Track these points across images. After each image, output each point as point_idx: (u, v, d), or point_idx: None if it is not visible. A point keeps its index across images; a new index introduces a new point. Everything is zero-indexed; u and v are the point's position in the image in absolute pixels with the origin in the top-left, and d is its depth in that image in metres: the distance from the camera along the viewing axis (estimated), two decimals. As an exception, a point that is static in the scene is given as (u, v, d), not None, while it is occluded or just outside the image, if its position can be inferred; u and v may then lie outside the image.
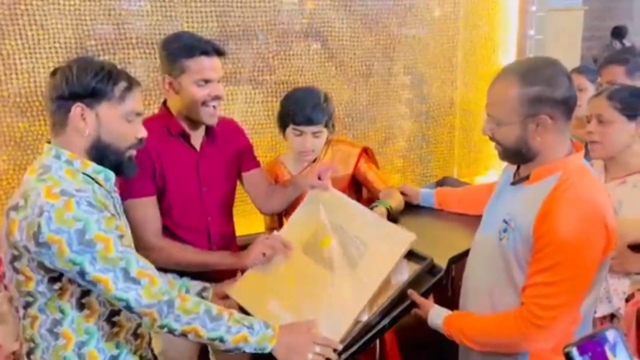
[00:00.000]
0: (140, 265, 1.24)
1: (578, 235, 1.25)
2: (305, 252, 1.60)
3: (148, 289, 1.22)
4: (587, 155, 2.06)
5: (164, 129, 1.71)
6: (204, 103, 1.65)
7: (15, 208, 1.20)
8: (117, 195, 1.41)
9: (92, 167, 1.30)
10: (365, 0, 2.61)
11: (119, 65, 2.16)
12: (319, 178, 1.70)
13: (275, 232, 1.68)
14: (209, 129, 1.78)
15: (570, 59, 3.27)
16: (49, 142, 1.32)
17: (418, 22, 2.77)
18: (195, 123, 1.73)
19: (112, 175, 1.34)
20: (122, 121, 1.31)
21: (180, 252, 1.69)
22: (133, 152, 1.36)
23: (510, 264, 1.36)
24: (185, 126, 1.72)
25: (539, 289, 1.30)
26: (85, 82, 1.26)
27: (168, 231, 1.75)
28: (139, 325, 1.40)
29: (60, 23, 2.08)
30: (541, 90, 1.28)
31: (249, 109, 2.48)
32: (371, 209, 1.78)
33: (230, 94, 2.42)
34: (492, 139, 1.39)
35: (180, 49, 1.63)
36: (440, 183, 2.17)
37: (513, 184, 1.43)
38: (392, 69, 2.76)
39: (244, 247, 1.73)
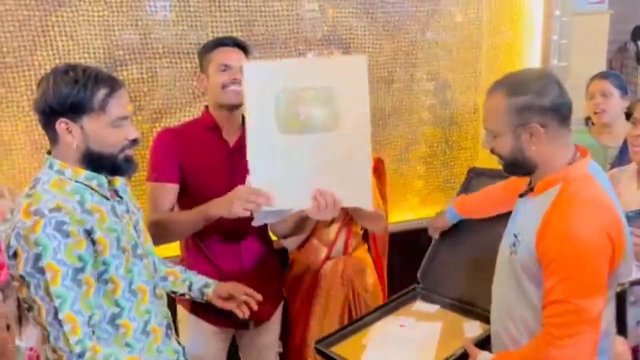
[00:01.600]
0: (74, 310, 1.26)
1: (578, 242, 1.23)
2: (283, 132, 1.57)
3: (66, 334, 1.25)
4: (626, 157, 2.05)
5: (200, 125, 1.86)
6: (224, 86, 1.77)
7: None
8: (123, 198, 1.45)
9: (84, 174, 1.34)
10: (387, 6, 2.62)
11: (145, 74, 2.24)
12: None
13: (248, 179, 1.61)
14: (245, 130, 1.80)
15: (595, 63, 3.21)
16: (49, 152, 1.36)
17: (441, 28, 2.76)
18: (229, 117, 1.83)
19: (104, 180, 1.37)
20: (108, 129, 1.32)
21: (172, 221, 1.75)
22: (129, 153, 1.39)
23: (520, 278, 1.35)
24: (218, 120, 1.84)
25: (553, 308, 1.26)
26: (62, 98, 1.27)
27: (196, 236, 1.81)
28: (146, 323, 1.43)
29: (89, 34, 2.13)
30: (529, 99, 1.30)
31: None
32: None
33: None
34: (492, 152, 1.41)
35: (207, 46, 1.86)
36: (470, 171, 2.09)
37: (521, 195, 1.43)
38: (414, 75, 2.76)
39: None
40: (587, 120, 2.64)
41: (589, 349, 1.26)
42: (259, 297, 1.68)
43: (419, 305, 1.87)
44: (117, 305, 1.37)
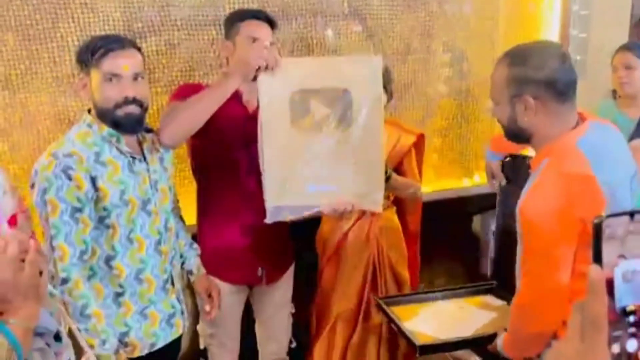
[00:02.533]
0: (67, 241, 1.48)
1: (526, 219, 1.31)
2: (298, 130, 1.61)
3: (55, 260, 1.48)
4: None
5: None
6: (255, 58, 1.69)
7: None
8: (146, 157, 1.63)
9: (107, 131, 1.56)
10: (404, -22, 2.60)
11: (164, 47, 2.27)
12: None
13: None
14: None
15: (617, 36, 3.15)
16: (89, 110, 1.60)
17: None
18: (251, 85, 1.75)
19: (122, 139, 1.57)
20: (103, 83, 1.51)
21: (185, 105, 1.68)
22: (129, 110, 1.52)
23: (520, 250, 1.41)
24: (241, 87, 1.79)
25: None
26: (78, 56, 1.53)
27: (209, 196, 1.88)
28: (139, 271, 1.61)
29: (109, 6, 2.17)
30: (524, 70, 1.34)
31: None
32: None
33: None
34: (496, 118, 1.47)
35: (237, 14, 1.88)
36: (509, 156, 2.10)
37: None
38: (431, 47, 2.75)
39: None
40: (614, 92, 2.62)
41: (549, 293, 1.32)
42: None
43: (488, 298, 1.92)
44: (113, 249, 1.57)
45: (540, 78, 1.32)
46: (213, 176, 1.88)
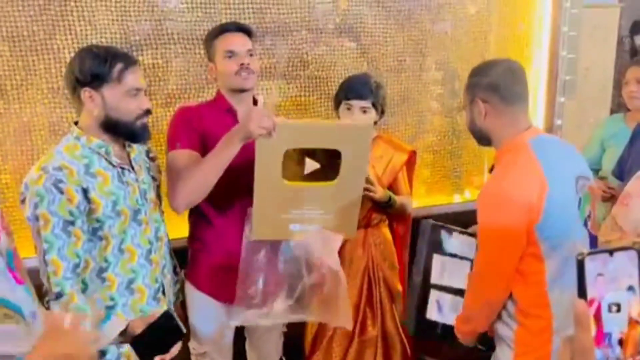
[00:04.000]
0: (60, 255, 1.47)
1: (481, 202, 1.51)
2: (288, 181, 1.72)
3: (49, 275, 1.48)
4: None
5: (216, 107, 1.89)
6: (237, 73, 1.80)
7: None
8: (134, 168, 1.64)
9: (95, 143, 1.57)
10: (398, -4, 2.65)
11: (160, 60, 2.29)
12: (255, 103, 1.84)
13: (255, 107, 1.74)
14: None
15: (604, 56, 3.23)
16: (76, 123, 1.60)
17: (450, 19, 2.79)
18: (241, 100, 1.86)
19: (111, 149, 1.58)
20: (124, 98, 1.54)
21: (195, 170, 1.71)
22: (144, 120, 1.58)
23: None
24: (232, 102, 1.87)
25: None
26: (86, 70, 1.51)
27: (203, 214, 1.87)
28: (130, 281, 1.61)
29: (106, 19, 2.19)
30: (476, 79, 1.58)
31: (283, 103, 2.56)
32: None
33: (265, 89, 2.50)
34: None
35: (210, 34, 1.88)
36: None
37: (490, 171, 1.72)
38: (423, 65, 2.79)
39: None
40: (620, 107, 2.65)
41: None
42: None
43: None
44: (106, 260, 1.57)
45: (484, 83, 1.55)
46: (208, 194, 1.83)
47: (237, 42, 1.82)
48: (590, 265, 0.53)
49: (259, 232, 1.77)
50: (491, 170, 1.69)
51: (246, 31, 1.86)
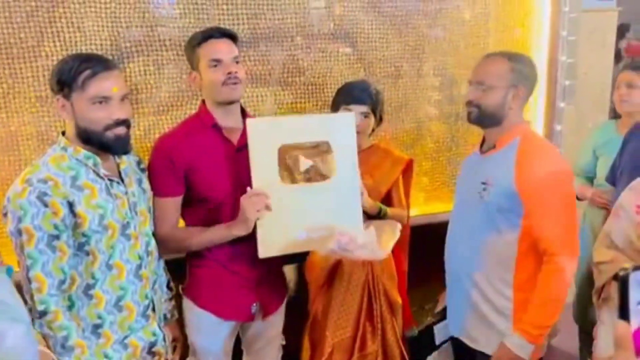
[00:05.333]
0: (44, 271, 1.41)
1: (556, 175, 1.62)
2: (286, 183, 1.72)
3: (33, 292, 1.42)
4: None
5: (199, 123, 1.79)
6: (224, 83, 1.71)
7: None
8: (124, 180, 1.58)
9: (82, 154, 1.50)
10: (394, 1, 2.61)
11: (151, 67, 2.24)
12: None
13: (249, 188, 1.69)
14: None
15: (603, 59, 3.20)
16: (64, 132, 1.55)
17: (448, 24, 2.75)
18: (227, 113, 1.78)
19: (99, 161, 1.52)
20: (89, 106, 1.46)
21: (185, 239, 1.77)
22: (118, 131, 1.49)
23: (489, 212, 1.68)
24: (218, 118, 1.77)
25: (549, 232, 1.60)
26: (57, 77, 1.46)
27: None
28: (119, 299, 1.55)
29: (96, 25, 2.13)
30: (523, 67, 1.69)
31: (279, 110, 2.51)
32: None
33: (260, 95, 2.45)
34: (469, 104, 1.73)
35: (193, 40, 1.75)
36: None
37: (483, 152, 1.78)
38: (421, 71, 2.75)
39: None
40: (615, 112, 2.63)
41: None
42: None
43: None
44: (93, 277, 1.50)
45: (531, 76, 1.70)
46: (203, 211, 1.79)
47: (223, 49, 1.71)
48: (634, 282, 0.48)
49: (266, 248, 1.71)
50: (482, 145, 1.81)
51: (231, 36, 1.75)
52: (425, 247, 2.37)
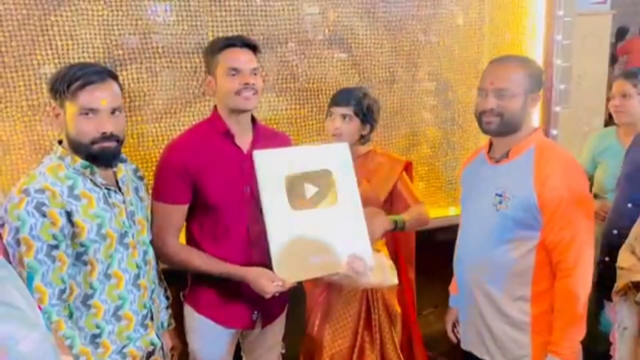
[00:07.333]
0: (44, 281, 1.40)
1: (580, 186, 1.61)
2: (295, 209, 1.72)
3: (36, 303, 1.35)
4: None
5: (211, 129, 1.78)
6: (238, 92, 1.70)
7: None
8: (121, 189, 1.57)
9: (79, 163, 1.49)
10: (388, 7, 2.60)
11: (145, 74, 2.22)
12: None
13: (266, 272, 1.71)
14: (256, 132, 1.82)
15: (598, 63, 3.20)
16: (60, 142, 1.53)
17: (442, 29, 2.75)
18: (239, 120, 1.77)
19: (96, 170, 1.50)
20: (78, 117, 1.45)
21: (193, 261, 1.76)
22: (105, 145, 1.47)
23: (505, 224, 1.63)
24: (230, 125, 1.77)
25: (563, 245, 1.58)
26: (51, 86, 1.47)
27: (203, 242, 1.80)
28: (117, 308, 1.53)
29: (89, 33, 2.12)
30: (538, 72, 1.67)
31: (273, 117, 2.49)
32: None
33: (255, 102, 2.43)
34: (489, 113, 1.63)
35: (214, 46, 1.76)
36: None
37: (497, 162, 1.71)
38: (416, 76, 2.74)
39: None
40: (611, 116, 2.61)
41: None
42: None
43: None
44: (91, 287, 1.49)
45: (541, 81, 1.69)
46: (207, 219, 1.77)
47: (242, 59, 1.70)
48: None
49: (283, 274, 1.70)
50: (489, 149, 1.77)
51: (253, 47, 1.74)
52: (422, 252, 2.36)
